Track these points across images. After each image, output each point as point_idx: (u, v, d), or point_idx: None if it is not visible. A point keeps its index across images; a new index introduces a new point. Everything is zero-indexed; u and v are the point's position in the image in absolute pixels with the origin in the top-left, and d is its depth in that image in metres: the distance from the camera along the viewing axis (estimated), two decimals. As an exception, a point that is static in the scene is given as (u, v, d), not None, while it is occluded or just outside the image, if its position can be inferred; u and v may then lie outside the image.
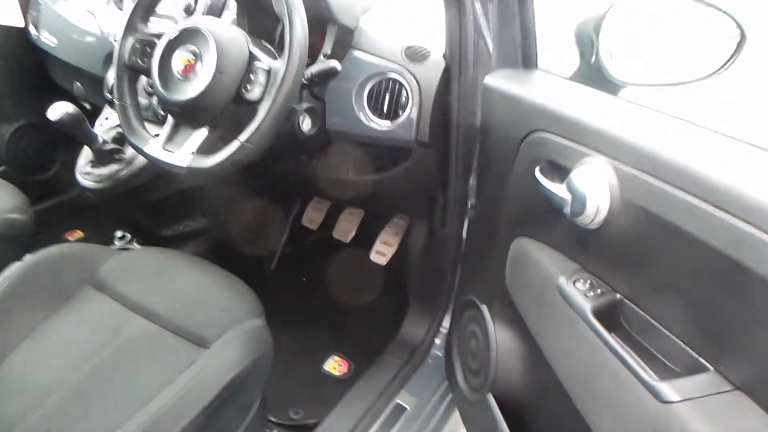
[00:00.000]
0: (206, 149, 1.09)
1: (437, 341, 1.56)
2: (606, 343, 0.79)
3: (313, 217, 1.90)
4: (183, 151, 1.08)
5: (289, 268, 1.95)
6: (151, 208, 1.52)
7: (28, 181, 2.05)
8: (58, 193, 2.18)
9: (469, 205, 1.39)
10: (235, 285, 1.21)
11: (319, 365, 1.60)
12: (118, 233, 1.69)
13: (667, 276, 0.73)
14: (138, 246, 1.64)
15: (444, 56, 1.22)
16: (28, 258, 1.22)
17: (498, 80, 1.07)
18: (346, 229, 1.80)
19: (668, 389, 0.68)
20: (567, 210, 0.83)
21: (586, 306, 0.83)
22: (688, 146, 0.73)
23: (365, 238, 1.82)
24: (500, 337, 1.13)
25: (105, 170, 1.42)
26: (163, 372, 1.02)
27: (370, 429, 1.35)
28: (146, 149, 1.12)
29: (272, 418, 1.43)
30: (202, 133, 1.09)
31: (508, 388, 1.12)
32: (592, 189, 0.78)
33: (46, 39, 1.78)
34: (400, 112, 1.23)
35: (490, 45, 1.19)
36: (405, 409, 1.40)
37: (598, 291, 0.85)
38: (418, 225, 1.53)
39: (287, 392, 1.51)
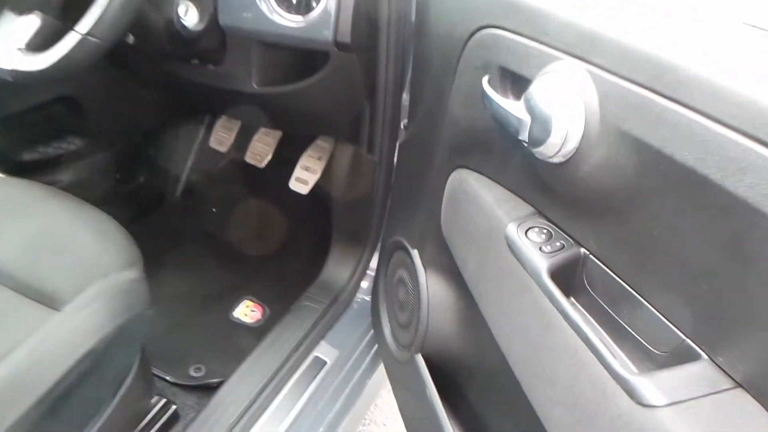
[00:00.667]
0: (39, 44, 0.79)
1: (364, 284, 1.36)
2: (565, 314, 0.60)
3: (221, 137, 1.61)
4: (6, 48, 0.78)
5: (196, 198, 1.67)
6: (7, 125, 1.19)
7: None
8: None
9: (402, 126, 1.15)
10: (103, 227, 0.95)
11: (228, 311, 1.38)
12: (-30, 156, 1.36)
13: (654, 228, 0.53)
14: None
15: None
16: None
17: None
18: (260, 152, 1.53)
19: (648, 387, 0.50)
20: (523, 136, 0.61)
21: (542, 264, 0.63)
22: (703, 45, 0.51)
23: (284, 163, 1.55)
24: (433, 289, 0.94)
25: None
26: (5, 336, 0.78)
27: (284, 387, 1.16)
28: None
29: (167, 377, 1.21)
30: (31, 22, 0.78)
31: (440, 349, 0.95)
32: (560, 108, 0.56)
33: None
34: (314, 4, 0.95)
35: None
36: (324, 363, 1.21)
37: (557, 244, 0.65)
38: (343, 148, 1.28)
39: (187, 345, 1.29)
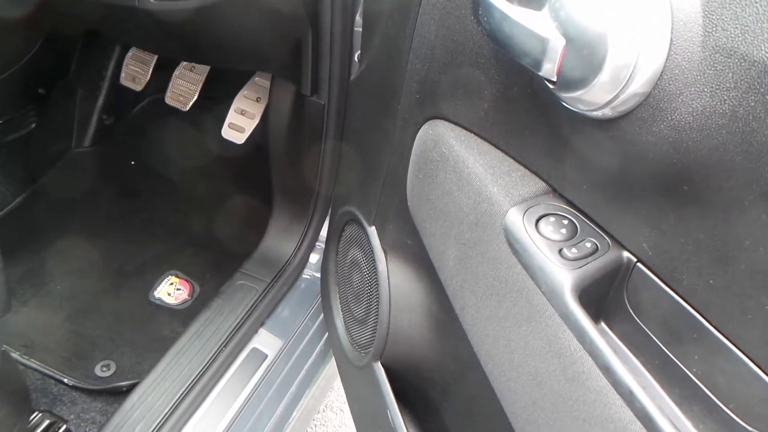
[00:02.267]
0: None
1: (313, 258, 1.12)
2: (596, 353, 0.38)
3: (134, 73, 1.29)
4: None
5: (108, 149, 1.37)
6: None
7: None
8: None
9: (356, 59, 0.88)
10: None
11: (147, 291, 1.12)
12: None
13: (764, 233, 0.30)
14: None
15: None
16: None
17: None
18: (183, 92, 1.24)
19: None
20: (547, 71, 0.36)
21: (563, 277, 0.40)
22: None
23: (214, 105, 1.26)
24: (395, 280, 0.70)
25: None
26: None
27: (213, 388, 0.93)
28: None
29: (65, 379, 0.96)
30: None
31: (404, 357, 0.72)
32: (623, 17, 0.31)
33: None
34: None
35: None
36: (264, 356, 0.98)
37: (587, 245, 0.42)
38: (281, 89, 1.00)
39: (93, 336, 1.04)
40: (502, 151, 0.49)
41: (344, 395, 1.32)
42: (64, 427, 0.86)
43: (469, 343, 0.55)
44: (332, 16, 0.82)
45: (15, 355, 0.97)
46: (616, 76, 0.32)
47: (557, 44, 0.34)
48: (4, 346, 0.75)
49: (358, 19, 0.84)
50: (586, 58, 0.33)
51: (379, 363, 0.74)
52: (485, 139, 0.51)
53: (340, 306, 0.89)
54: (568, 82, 0.35)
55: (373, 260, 0.73)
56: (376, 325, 0.75)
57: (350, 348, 0.83)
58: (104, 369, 0.99)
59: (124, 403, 0.90)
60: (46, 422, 0.83)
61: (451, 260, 0.54)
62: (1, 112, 1.15)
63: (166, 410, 0.88)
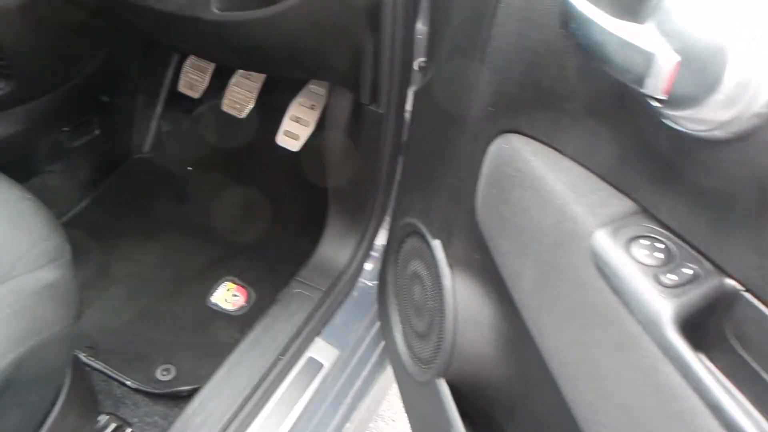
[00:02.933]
0: None
1: (367, 266, 1.11)
2: (704, 391, 0.35)
3: (193, 81, 1.31)
4: None
5: (166, 155, 1.40)
6: None
7: None
8: None
9: (416, 67, 0.87)
10: (13, 209, 0.69)
11: (205, 296, 1.14)
12: None
13: None
14: None
15: None
16: None
17: None
18: (239, 99, 1.25)
19: None
20: (653, 87, 0.33)
21: (662, 306, 0.37)
22: None
23: (269, 112, 1.27)
24: (462, 296, 0.68)
25: None
26: None
27: (270, 398, 0.93)
28: None
29: (128, 382, 0.98)
30: None
31: (471, 376, 0.70)
32: (747, 31, 0.29)
33: None
34: None
35: None
36: (320, 366, 0.98)
37: (686, 271, 0.39)
38: (339, 97, 1.00)
39: (154, 339, 1.06)
40: (585, 167, 0.47)
41: (396, 405, 1.31)
42: (130, 430, 0.88)
43: (541, 366, 0.53)
44: (393, 24, 0.80)
45: (81, 356, 1.00)
46: (733, 95, 0.30)
47: (664, 59, 0.32)
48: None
49: (420, 25, 0.82)
50: (698, 75, 0.31)
51: (443, 380, 0.72)
52: (566, 155, 0.48)
53: (399, 319, 0.88)
54: (676, 100, 0.32)
55: (437, 274, 0.72)
56: (439, 341, 0.73)
57: (410, 362, 0.82)
58: (164, 373, 1.01)
59: (186, 408, 0.90)
60: (113, 425, 0.85)
61: (527, 280, 0.52)
62: (67, 119, 1.18)
63: (227, 418, 0.89)
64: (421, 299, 0.79)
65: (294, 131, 1.20)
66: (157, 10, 0.82)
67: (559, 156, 0.49)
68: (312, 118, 1.20)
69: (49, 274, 0.65)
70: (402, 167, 0.91)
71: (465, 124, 0.61)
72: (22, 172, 0.77)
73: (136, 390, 0.99)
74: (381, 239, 1.09)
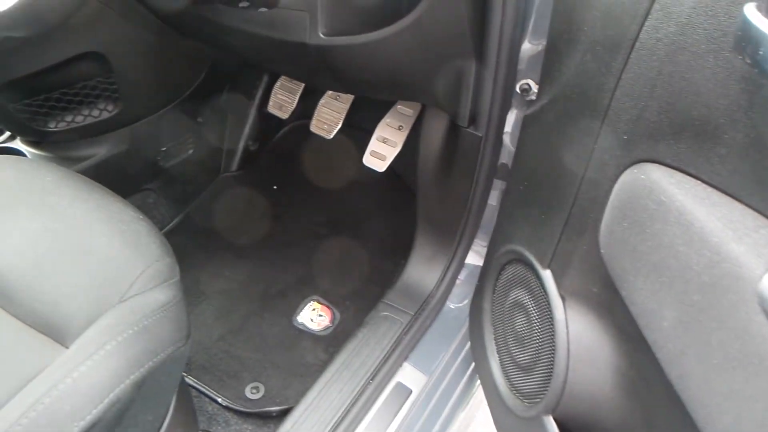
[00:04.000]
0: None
1: (456, 290, 1.08)
2: None
3: (281, 101, 1.34)
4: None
5: (254, 173, 1.43)
6: (21, 89, 0.98)
7: None
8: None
9: (519, 90, 0.84)
10: (129, 230, 0.72)
11: (291, 315, 1.14)
12: (-7, 126, 1.17)
13: None
14: (23, 146, 1.13)
15: None
16: None
17: None
18: (328, 120, 1.26)
19: None
20: None
21: None
22: None
23: (356, 131, 1.28)
24: (576, 331, 0.65)
25: None
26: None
27: (361, 423, 0.92)
28: None
29: (219, 399, 1.00)
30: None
31: (583, 416, 0.66)
32: None
33: None
34: None
35: None
36: (409, 391, 0.96)
37: None
38: (434, 118, 0.99)
39: (243, 357, 1.07)
40: (742, 203, 0.43)
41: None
42: (225, 449, 0.89)
43: (672, 412, 0.49)
44: (499, 45, 0.79)
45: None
46: None
47: None
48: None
49: (527, 45, 0.80)
50: None
51: (551, 417, 0.68)
52: (719, 189, 0.45)
53: (495, 348, 0.85)
54: None
55: (547, 306, 0.69)
56: (546, 375, 0.70)
57: (510, 395, 0.79)
58: (254, 391, 1.02)
59: (278, 429, 0.90)
60: (210, 445, 0.86)
61: (667, 321, 0.48)
62: (166, 139, 1.23)
63: None
64: (524, 330, 0.76)
65: (381, 152, 1.20)
66: (263, 36, 0.84)
67: (710, 189, 0.45)
68: (399, 138, 1.20)
69: (162, 295, 0.67)
70: (505, 192, 0.89)
71: (587, 150, 0.58)
72: (123, 190, 0.80)
73: (227, 407, 1.00)
74: (471, 259, 1.07)
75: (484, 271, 0.89)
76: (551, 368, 0.68)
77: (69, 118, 1.06)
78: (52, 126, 1.05)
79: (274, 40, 0.83)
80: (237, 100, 1.39)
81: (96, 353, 0.56)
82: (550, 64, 0.65)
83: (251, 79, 1.38)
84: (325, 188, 1.36)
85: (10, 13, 0.50)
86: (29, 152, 1.11)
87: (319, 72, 0.90)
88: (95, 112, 1.08)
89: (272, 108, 1.35)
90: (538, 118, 0.69)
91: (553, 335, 0.67)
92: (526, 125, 0.73)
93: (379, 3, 0.80)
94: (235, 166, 1.43)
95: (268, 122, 1.42)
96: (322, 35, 0.79)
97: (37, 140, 1.10)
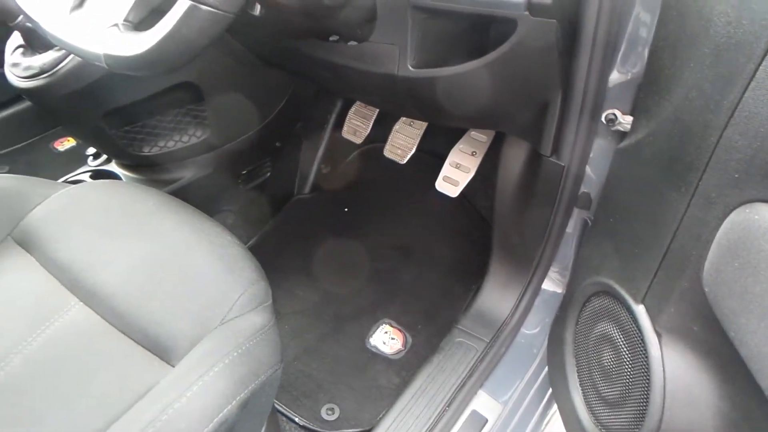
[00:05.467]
0: (143, 20, 0.59)
1: (532, 317, 1.08)
2: None
3: (356, 127, 1.38)
4: (101, 24, 0.58)
5: (326, 196, 1.47)
6: (123, 117, 1.05)
7: None
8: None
9: (603, 119, 0.84)
10: (227, 254, 0.76)
11: (364, 337, 1.16)
12: (91, 150, 1.25)
13: None
14: (118, 169, 1.20)
15: None
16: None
17: None
18: (401, 146, 1.29)
19: None
20: None
21: None
22: None
23: (428, 157, 1.30)
24: (673, 369, 0.63)
25: (38, 60, 0.94)
26: (111, 393, 0.63)
27: None
28: (41, 20, 0.62)
29: (296, 418, 1.02)
30: (132, -10, 0.58)
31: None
32: None
33: None
34: (502, -50, 0.67)
35: None
36: (485, 420, 0.95)
37: None
38: (514, 146, 0.99)
39: (318, 378, 1.09)
40: None
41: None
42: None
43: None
44: (587, 77, 0.79)
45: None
46: None
47: None
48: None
49: (616, 74, 0.80)
50: None
51: (644, 457, 0.67)
52: None
53: (578, 381, 0.83)
54: None
55: (639, 341, 0.67)
56: (637, 413, 0.68)
57: (595, 430, 0.77)
58: (329, 412, 1.03)
59: None
60: (290, 463, 0.88)
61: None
62: (246, 163, 1.29)
63: None
64: (612, 364, 0.74)
65: (454, 177, 1.21)
66: (351, 68, 0.87)
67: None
68: (472, 164, 1.21)
69: (259, 318, 0.70)
70: (593, 223, 0.88)
71: (689, 187, 0.58)
72: (205, 211, 0.84)
73: (303, 427, 1.02)
74: (548, 285, 1.06)
75: (567, 302, 0.89)
76: (644, 406, 0.67)
77: (161, 143, 1.12)
78: (146, 150, 1.12)
79: (362, 71, 0.86)
80: (312, 125, 1.43)
81: (206, 374, 0.59)
82: (647, 98, 0.65)
83: (326, 105, 1.43)
84: (395, 212, 1.38)
85: (144, 56, 0.54)
86: (123, 174, 1.18)
87: (403, 101, 0.92)
88: (185, 138, 1.14)
89: (346, 133, 1.39)
90: (633, 153, 0.68)
91: (646, 372, 0.66)
92: (618, 158, 0.72)
93: (468, 37, 0.81)
94: (308, 188, 1.47)
95: (340, 146, 1.45)
96: (410, 67, 0.81)
97: (131, 163, 1.17)
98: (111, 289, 0.71)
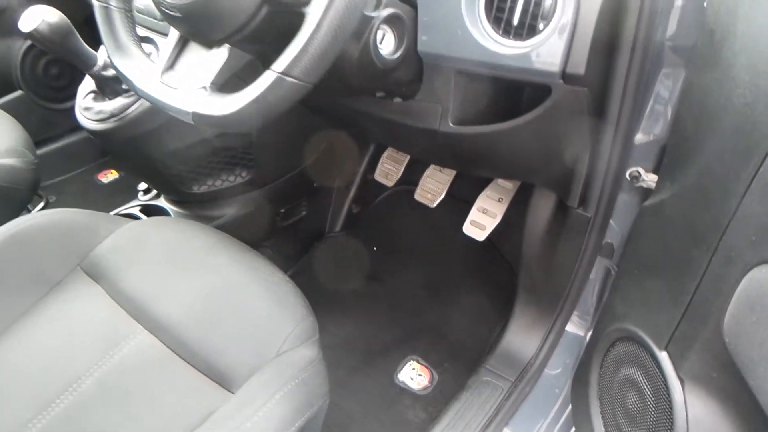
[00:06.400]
0: (226, 83, 0.67)
1: (555, 358, 1.12)
2: None
3: (388, 170, 1.46)
4: (190, 86, 0.67)
5: (356, 234, 1.54)
6: (179, 158, 1.13)
7: (53, 108, 1.73)
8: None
9: (627, 175, 0.91)
10: (280, 290, 0.82)
11: (392, 373, 1.21)
12: (142, 185, 1.34)
13: None
14: (166, 204, 1.28)
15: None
16: (7, 228, 0.88)
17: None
18: (432, 191, 1.36)
19: None
20: None
21: None
22: None
23: (456, 201, 1.37)
24: (695, 415, 0.68)
25: (109, 105, 1.03)
26: (175, 416, 0.70)
27: None
28: (136, 81, 0.71)
29: (326, 450, 1.06)
30: (219, 57, 0.66)
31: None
32: None
33: None
34: (540, 26, 0.75)
35: None
36: (510, 459, 1.00)
37: None
38: (543, 196, 1.06)
39: (349, 410, 1.14)
40: None
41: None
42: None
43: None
44: (614, 138, 0.86)
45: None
46: None
47: None
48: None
49: (641, 136, 0.87)
50: None
51: (668, 498, 0.71)
52: None
53: (602, 423, 0.88)
54: None
55: (663, 386, 0.72)
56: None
57: (620, 471, 0.81)
58: (359, 446, 1.08)
59: None
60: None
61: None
62: (285, 201, 1.36)
63: None
64: (636, 407, 0.79)
65: (480, 221, 1.28)
66: (395, 122, 0.96)
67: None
68: (499, 210, 1.27)
69: (310, 351, 0.76)
70: (618, 273, 0.94)
71: (710, 245, 0.64)
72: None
73: (333, 459, 1.07)
74: (571, 327, 1.11)
75: (591, 346, 0.94)
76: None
77: (210, 182, 1.20)
78: (195, 189, 1.20)
79: (406, 125, 0.94)
80: (345, 166, 1.51)
81: (268, 402, 0.65)
82: (671, 162, 0.71)
83: (359, 148, 1.51)
84: (423, 252, 1.44)
85: (230, 116, 0.62)
86: (171, 209, 1.26)
87: (441, 153, 1.00)
88: (231, 177, 1.22)
89: (379, 176, 1.47)
90: (657, 211, 0.75)
91: (669, 416, 0.71)
92: (644, 215, 0.79)
93: (503, 97, 0.89)
94: (338, 227, 1.54)
95: (371, 187, 1.53)
96: (451, 124, 0.89)
97: (179, 199, 1.25)
98: (174, 319, 0.78)
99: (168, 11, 0.64)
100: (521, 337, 1.14)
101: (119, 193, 1.72)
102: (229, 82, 0.68)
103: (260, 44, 0.67)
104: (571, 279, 1.05)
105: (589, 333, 1.09)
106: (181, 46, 0.70)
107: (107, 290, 0.84)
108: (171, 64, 0.70)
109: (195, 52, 0.69)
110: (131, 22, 0.75)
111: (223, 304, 0.79)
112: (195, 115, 0.64)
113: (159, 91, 0.68)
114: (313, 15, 0.57)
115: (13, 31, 1.59)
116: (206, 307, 0.79)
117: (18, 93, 1.63)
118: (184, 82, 0.67)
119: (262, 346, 0.74)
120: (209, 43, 0.67)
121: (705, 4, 0.69)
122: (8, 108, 1.36)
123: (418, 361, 1.23)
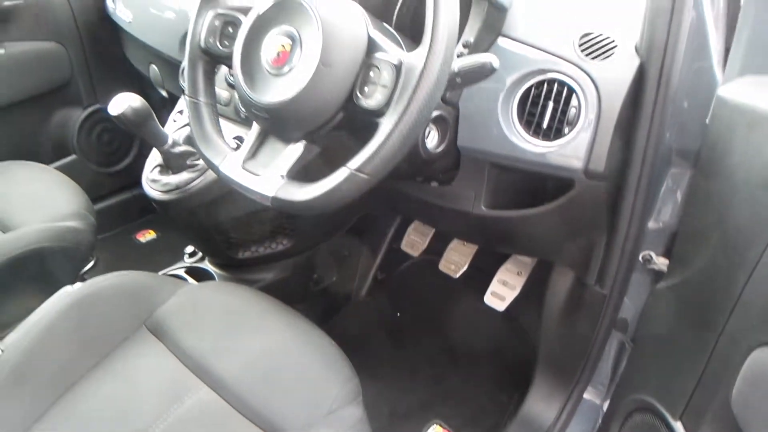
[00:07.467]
0: (301, 174, 0.78)
1: (573, 426, 1.19)
2: None
3: (414, 241, 1.57)
4: (269, 174, 0.78)
5: (380, 300, 1.63)
6: (228, 226, 1.25)
7: (101, 171, 1.86)
8: (133, 186, 1.97)
9: (640, 258, 1.01)
10: (327, 353, 0.91)
11: (416, 435, 1.27)
12: (189, 248, 1.44)
13: None
14: (211, 267, 1.38)
15: (636, 49, 0.85)
16: (76, 289, 0.98)
17: (743, 91, 0.69)
18: (455, 262, 1.47)
19: None
20: None
21: None
22: None
23: (478, 272, 1.47)
24: (709, 480, 0.76)
25: (174, 178, 1.15)
26: None
27: None
28: (221, 167, 0.82)
29: None
30: (296, 151, 0.78)
31: None
32: None
33: (122, 13, 1.55)
34: (566, 130, 0.87)
35: (718, 41, 0.80)
36: None
37: None
38: (562, 273, 1.16)
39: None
40: None
41: None
42: None
43: None
44: (629, 225, 0.97)
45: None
46: None
47: None
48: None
49: (653, 223, 0.98)
50: None
51: None
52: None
53: (622, 488, 0.94)
54: None
55: (679, 454, 0.80)
56: None
57: None
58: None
59: None
60: None
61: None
62: (318, 268, 1.46)
63: None
64: (653, 473, 0.86)
65: (500, 293, 1.37)
66: (432, 203, 1.07)
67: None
68: (518, 282, 1.37)
69: (357, 410, 0.84)
70: (635, 347, 1.03)
71: (716, 325, 0.73)
72: None
73: None
74: (589, 395, 1.18)
75: (609, 416, 1.01)
76: None
77: (254, 248, 1.31)
78: (240, 254, 1.30)
79: (441, 207, 1.06)
80: (372, 236, 1.63)
81: None
82: (681, 251, 0.82)
83: (387, 219, 1.63)
84: (446, 319, 1.53)
85: (307, 202, 0.73)
86: (215, 272, 1.36)
87: (471, 232, 1.11)
88: (273, 245, 1.33)
89: (405, 246, 1.58)
90: (668, 294, 0.85)
91: (686, 482, 0.78)
92: (655, 296, 0.89)
93: (529, 186, 1.01)
94: (364, 292, 1.64)
95: (396, 256, 1.64)
96: (483, 208, 1.00)
97: (223, 263, 1.36)
98: (233, 376, 0.86)
99: (256, 112, 0.77)
100: (541, 405, 1.21)
101: (157, 252, 1.83)
102: (303, 173, 0.80)
103: (331, 141, 0.79)
104: (588, 351, 1.13)
105: (606, 402, 1.16)
106: (262, 138, 0.82)
107: (169, 347, 0.92)
108: (252, 154, 0.81)
109: (274, 145, 0.81)
110: (216, 115, 0.88)
111: (277, 363, 0.88)
112: (275, 199, 0.76)
113: (242, 176, 0.80)
114: (388, 120, 0.68)
115: (73, 102, 1.76)
116: (262, 366, 0.88)
117: (72, 157, 1.77)
118: (264, 170, 0.79)
119: (314, 404, 0.82)
120: (288, 139, 0.79)
121: (707, 121, 0.81)
122: (64, 170, 1.49)
123: (440, 425, 1.29)
